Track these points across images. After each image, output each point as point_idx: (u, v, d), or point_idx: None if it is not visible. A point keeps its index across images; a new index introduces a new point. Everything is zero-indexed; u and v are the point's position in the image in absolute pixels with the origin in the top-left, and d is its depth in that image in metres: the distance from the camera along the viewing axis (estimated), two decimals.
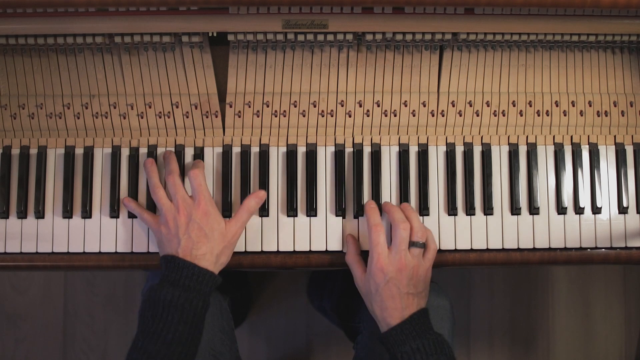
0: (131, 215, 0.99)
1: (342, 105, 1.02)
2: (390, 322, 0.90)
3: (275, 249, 0.99)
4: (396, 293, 0.90)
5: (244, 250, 0.99)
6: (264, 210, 0.99)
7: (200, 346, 1.05)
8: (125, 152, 1.01)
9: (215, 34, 0.96)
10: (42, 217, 0.99)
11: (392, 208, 0.97)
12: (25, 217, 0.99)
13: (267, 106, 1.02)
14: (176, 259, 0.89)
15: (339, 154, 1.01)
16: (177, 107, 1.01)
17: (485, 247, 1.00)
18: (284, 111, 1.02)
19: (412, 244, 0.93)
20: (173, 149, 1.01)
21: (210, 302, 0.98)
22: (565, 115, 1.04)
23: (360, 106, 1.02)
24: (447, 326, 1.04)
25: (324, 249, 1.00)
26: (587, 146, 1.03)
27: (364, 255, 0.97)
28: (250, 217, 0.96)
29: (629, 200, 1.02)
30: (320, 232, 1.00)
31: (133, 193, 0.99)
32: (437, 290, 1.07)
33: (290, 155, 1.00)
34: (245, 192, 0.99)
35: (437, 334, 0.90)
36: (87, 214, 0.99)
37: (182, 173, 0.99)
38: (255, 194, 0.96)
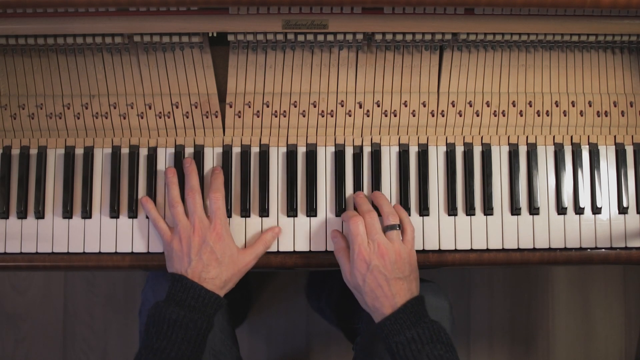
0: (131, 216, 0.99)
1: (342, 106, 1.02)
2: (384, 311, 0.89)
3: (275, 249, 0.99)
4: (383, 280, 0.90)
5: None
6: (264, 211, 0.99)
7: None
8: (125, 152, 1.01)
9: (215, 34, 0.96)
10: (42, 217, 0.99)
11: (360, 200, 0.97)
12: (25, 218, 0.99)
13: (267, 106, 1.02)
14: (184, 279, 0.90)
15: (339, 154, 1.01)
16: (177, 107, 1.01)
17: (485, 247, 1.00)
18: (284, 111, 1.02)
19: (386, 228, 0.93)
20: (173, 150, 1.01)
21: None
22: (565, 115, 1.04)
23: (360, 106, 1.02)
24: (446, 326, 1.04)
25: (324, 249, 1.00)
26: (587, 146, 1.03)
27: None
28: (265, 251, 0.98)
29: (629, 200, 1.02)
30: (320, 233, 1.00)
31: (133, 193, 0.99)
32: (436, 290, 1.07)
33: (290, 155, 1.00)
34: (245, 192, 0.99)
35: (433, 321, 0.89)
36: (87, 214, 0.99)
37: (183, 175, 0.99)
38: (272, 228, 0.98)
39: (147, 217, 0.99)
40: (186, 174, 0.98)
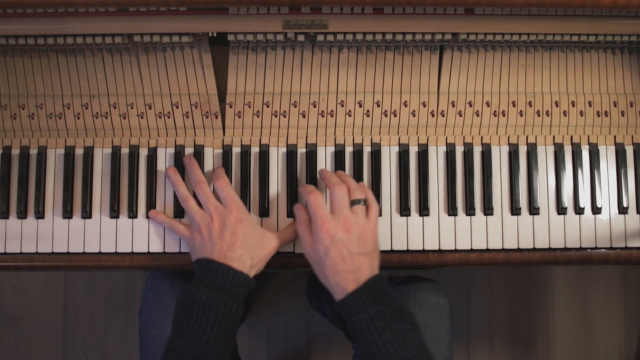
0: (131, 216, 0.99)
1: (342, 106, 1.02)
2: (345, 286, 0.87)
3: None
4: (346, 254, 0.88)
5: None
6: (264, 211, 0.99)
7: None
8: (125, 152, 1.01)
9: (215, 34, 0.96)
10: (42, 217, 0.99)
11: (326, 174, 0.95)
12: (25, 218, 0.99)
13: (267, 106, 1.02)
14: (211, 261, 0.88)
15: (339, 154, 1.01)
16: (177, 107, 1.01)
17: (485, 247, 1.00)
18: (284, 111, 1.02)
19: (352, 202, 0.92)
20: (173, 150, 1.01)
21: None
22: (565, 115, 1.04)
23: (360, 106, 1.02)
24: (446, 325, 1.04)
25: None
26: (587, 146, 1.03)
27: None
28: (292, 240, 0.97)
29: (629, 200, 1.02)
30: None
31: (133, 193, 0.99)
32: (436, 289, 1.07)
33: (290, 155, 1.00)
34: (245, 192, 0.99)
35: (396, 299, 0.87)
36: (87, 214, 0.99)
37: (183, 178, 0.99)
38: (300, 222, 0.95)
39: (147, 218, 0.99)
40: (189, 170, 0.97)
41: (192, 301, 0.85)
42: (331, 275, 0.89)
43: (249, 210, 0.99)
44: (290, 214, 0.99)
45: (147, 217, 0.99)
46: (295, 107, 1.02)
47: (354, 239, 0.89)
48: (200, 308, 0.85)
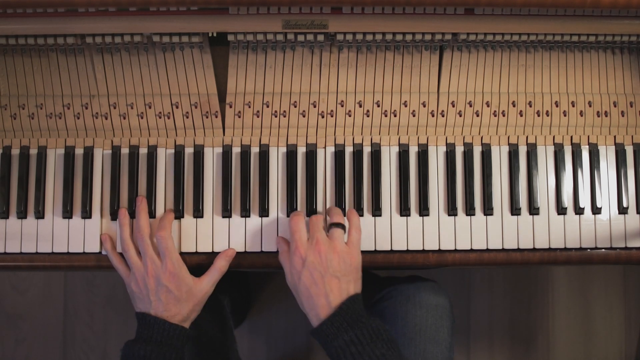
0: (131, 217, 0.99)
1: (342, 106, 1.02)
2: (318, 312, 0.87)
3: (275, 250, 0.99)
4: (318, 277, 0.87)
5: (243, 250, 0.99)
6: (264, 211, 0.99)
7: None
8: (125, 152, 1.01)
9: (215, 34, 0.96)
10: (42, 217, 0.99)
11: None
12: (25, 217, 0.99)
13: (267, 106, 1.02)
14: (147, 316, 0.91)
15: (339, 154, 1.01)
16: (177, 107, 1.01)
17: (485, 247, 1.00)
18: (284, 111, 1.02)
19: (330, 226, 0.92)
20: (173, 149, 1.01)
21: (210, 302, 0.99)
22: (565, 115, 1.04)
23: (360, 106, 1.02)
24: (446, 325, 1.04)
25: None
26: (587, 146, 1.03)
27: None
28: (221, 276, 0.97)
29: (629, 200, 1.02)
30: None
31: (133, 193, 0.99)
32: (436, 289, 1.07)
33: (290, 155, 1.00)
34: (245, 192, 0.99)
35: (372, 319, 0.86)
36: (87, 214, 0.99)
37: (183, 175, 0.99)
38: (225, 252, 0.97)
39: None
40: (136, 212, 0.97)
41: (131, 355, 0.89)
42: (305, 300, 0.89)
43: (249, 210, 0.99)
44: (290, 213, 0.99)
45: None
46: (295, 107, 1.02)
47: (325, 261, 0.88)
48: None
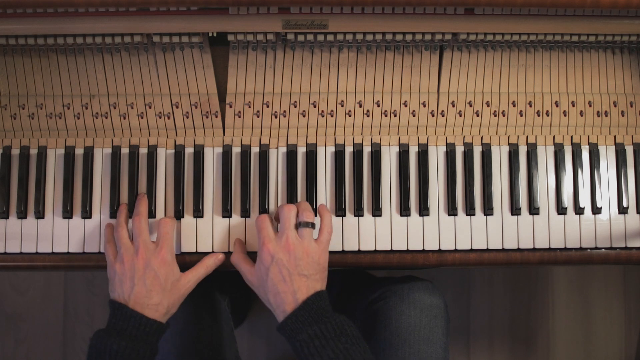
0: (131, 216, 0.99)
1: (342, 105, 1.02)
2: (285, 308, 0.87)
3: None
4: (286, 274, 0.88)
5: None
6: (263, 211, 0.99)
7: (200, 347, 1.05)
8: (125, 152, 1.01)
9: (215, 34, 0.96)
10: (42, 217, 0.99)
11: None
12: (25, 218, 0.99)
13: (267, 106, 1.02)
14: (124, 307, 0.88)
15: (339, 154, 1.01)
16: (177, 107, 1.01)
17: (485, 247, 1.00)
18: (284, 111, 1.02)
19: (299, 224, 0.91)
20: (173, 149, 1.01)
21: (210, 302, 0.99)
22: (565, 115, 1.04)
23: (360, 106, 1.02)
24: (441, 325, 1.04)
25: None
26: (587, 146, 1.03)
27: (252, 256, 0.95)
28: (205, 275, 0.96)
29: (629, 200, 1.02)
30: None
31: (133, 193, 0.99)
32: (431, 289, 1.07)
33: (290, 155, 1.00)
34: (245, 192, 0.99)
35: (338, 315, 0.86)
36: (87, 214, 0.99)
37: (183, 175, 0.99)
38: (215, 255, 0.96)
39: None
40: (136, 204, 0.97)
41: (104, 348, 0.85)
42: (272, 297, 0.89)
43: (249, 210, 0.99)
44: None
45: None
46: (295, 107, 1.02)
47: (293, 260, 0.88)
48: (112, 355, 0.84)
